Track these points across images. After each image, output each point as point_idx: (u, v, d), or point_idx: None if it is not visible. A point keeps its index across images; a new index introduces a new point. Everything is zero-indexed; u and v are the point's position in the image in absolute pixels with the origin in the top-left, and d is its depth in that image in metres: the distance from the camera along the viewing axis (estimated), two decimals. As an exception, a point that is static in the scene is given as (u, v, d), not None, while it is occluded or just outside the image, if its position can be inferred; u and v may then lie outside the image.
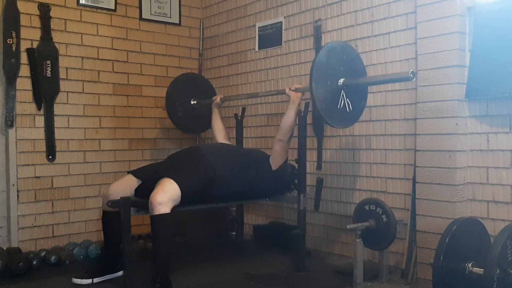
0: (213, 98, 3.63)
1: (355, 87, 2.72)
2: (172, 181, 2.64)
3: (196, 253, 3.53)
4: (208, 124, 3.72)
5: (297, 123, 3.01)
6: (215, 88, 4.05)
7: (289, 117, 2.93)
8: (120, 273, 2.85)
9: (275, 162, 3.04)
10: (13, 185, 3.40)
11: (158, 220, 2.56)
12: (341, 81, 2.63)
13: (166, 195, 2.58)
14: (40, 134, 3.52)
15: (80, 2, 3.70)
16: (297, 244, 3.10)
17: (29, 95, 3.47)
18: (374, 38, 3.13)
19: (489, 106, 2.60)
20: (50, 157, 3.55)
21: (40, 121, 3.52)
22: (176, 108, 3.75)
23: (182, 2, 4.32)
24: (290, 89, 2.98)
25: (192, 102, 3.80)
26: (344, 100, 2.61)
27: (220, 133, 3.51)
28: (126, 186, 2.86)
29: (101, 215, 2.94)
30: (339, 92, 2.64)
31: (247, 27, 4.07)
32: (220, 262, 3.28)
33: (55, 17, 3.58)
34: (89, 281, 2.82)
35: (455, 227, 2.31)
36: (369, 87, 3.13)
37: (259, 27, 3.96)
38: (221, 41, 4.33)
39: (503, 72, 2.48)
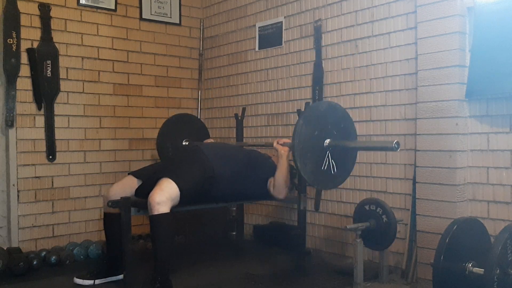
0: (205, 141, 3.53)
1: (342, 150, 2.61)
2: (170, 180, 2.64)
3: (196, 253, 3.53)
4: None
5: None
6: (215, 87, 4.05)
7: (281, 172, 2.88)
8: (122, 276, 2.84)
9: (273, 193, 2.98)
10: (13, 185, 3.40)
11: (157, 219, 2.56)
12: (327, 141, 2.53)
13: (165, 194, 2.58)
14: (40, 134, 3.52)
15: (80, 2, 3.70)
16: (297, 244, 3.09)
17: (29, 95, 3.48)
18: (374, 38, 3.13)
19: (489, 106, 2.60)
20: (50, 157, 3.55)
21: (40, 121, 3.52)
22: (167, 149, 3.62)
23: (182, 2, 4.32)
24: (278, 142, 2.93)
25: (183, 143, 3.65)
26: (329, 160, 2.53)
27: None
28: (127, 186, 2.87)
29: (103, 216, 2.94)
30: (324, 152, 2.53)
31: (247, 27, 4.07)
32: (220, 262, 3.29)
33: (55, 17, 3.58)
34: (90, 282, 2.81)
35: (455, 227, 2.30)
36: (369, 86, 3.14)
37: (259, 27, 3.96)
38: (221, 41, 4.33)
39: (503, 72, 2.48)
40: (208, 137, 3.78)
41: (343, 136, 2.60)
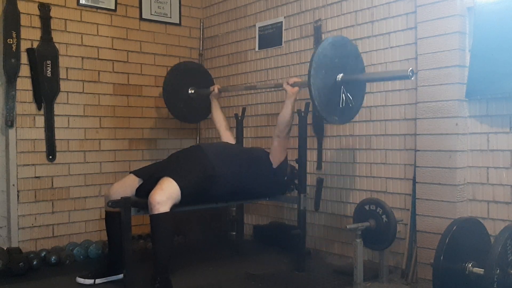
0: (211, 88, 3.56)
1: (354, 84, 2.69)
2: (171, 179, 2.64)
3: (196, 253, 3.53)
4: (205, 114, 3.68)
5: (296, 122, 3.01)
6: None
7: (286, 113, 2.90)
8: (122, 275, 2.84)
9: (275, 159, 3.03)
10: (13, 185, 3.40)
11: (157, 219, 2.57)
12: (340, 76, 2.61)
13: (165, 194, 2.58)
14: (40, 134, 3.52)
15: (80, 2, 3.70)
16: (297, 244, 3.10)
17: (29, 95, 3.47)
18: (374, 38, 3.13)
19: (489, 106, 2.60)
20: (50, 157, 3.55)
21: (40, 121, 3.52)
22: (173, 97, 3.68)
23: (182, 2, 4.32)
24: (288, 83, 2.93)
25: (189, 92, 3.72)
26: (345, 95, 2.59)
27: (221, 124, 3.46)
28: (127, 186, 2.87)
29: (105, 215, 2.93)
30: (339, 87, 2.61)
31: (247, 27, 4.07)
32: (220, 262, 3.29)
33: (55, 17, 3.58)
34: (91, 281, 2.82)
35: (455, 227, 2.31)
36: (369, 86, 3.13)
37: (259, 27, 3.96)
38: (221, 41, 4.33)
39: (503, 72, 2.48)
40: (213, 83, 3.77)
41: (352, 65, 2.69)
